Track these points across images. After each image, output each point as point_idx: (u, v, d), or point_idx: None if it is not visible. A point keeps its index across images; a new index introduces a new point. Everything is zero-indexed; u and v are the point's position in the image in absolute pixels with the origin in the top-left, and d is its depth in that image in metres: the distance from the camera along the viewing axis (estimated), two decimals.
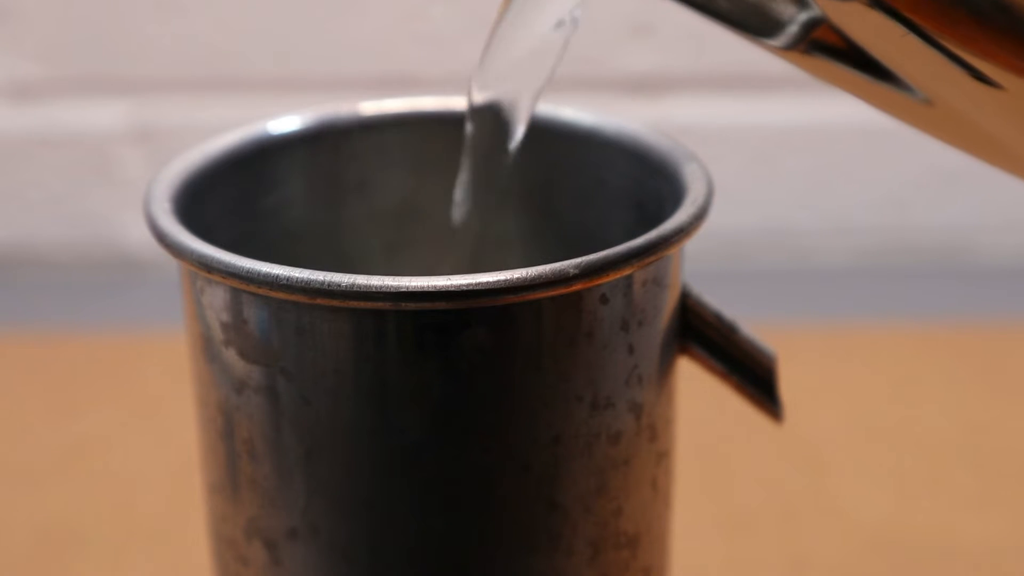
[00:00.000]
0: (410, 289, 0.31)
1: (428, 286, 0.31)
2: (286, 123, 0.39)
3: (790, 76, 0.54)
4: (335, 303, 0.31)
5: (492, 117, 0.35)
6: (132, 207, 0.64)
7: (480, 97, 0.35)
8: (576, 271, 0.31)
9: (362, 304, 0.31)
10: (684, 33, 0.67)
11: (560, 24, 0.33)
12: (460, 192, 0.36)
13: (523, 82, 0.34)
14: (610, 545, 0.34)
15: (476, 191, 0.36)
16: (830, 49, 0.28)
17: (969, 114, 0.28)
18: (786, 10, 0.28)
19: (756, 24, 0.28)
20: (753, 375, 0.36)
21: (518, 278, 0.31)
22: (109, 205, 0.69)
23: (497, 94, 0.35)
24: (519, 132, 0.35)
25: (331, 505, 0.33)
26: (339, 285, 0.31)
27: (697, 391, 0.41)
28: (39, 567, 0.49)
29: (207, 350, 0.34)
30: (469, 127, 0.35)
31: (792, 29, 0.28)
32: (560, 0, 0.33)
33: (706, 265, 0.53)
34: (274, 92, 0.67)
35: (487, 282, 0.31)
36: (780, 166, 0.69)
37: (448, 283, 0.31)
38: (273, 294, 0.31)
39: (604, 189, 0.38)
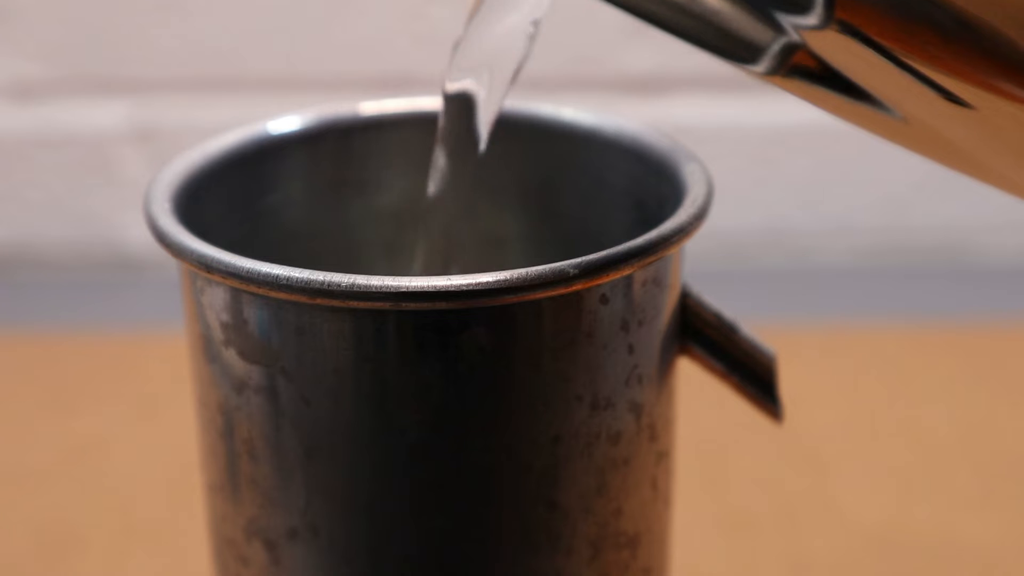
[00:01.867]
0: (410, 289, 0.31)
1: (428, 286, 0.31)
2: (286, 123, 0.39)
3: None
4: (335, 303, 0.31)
5: (462, 108, 0.35)
6: (132, 207, 0.64)
7: (452, 88, 0.35)
8: (576, 271, 0.31)
9: (362, 304, 0.31)
10: None
11: (535, 23, 0.34)
12: (432, 184, 0.36)
13: (492, 74, 0.35)
14: (610, 545, 0.34)
15: (447, 184, 0.36)
16: (810, 73, 0.29)
17: (946, 132, 0.29)
18: (764, 38, 0.28)
19: (738, 52, 0.29)
20: (753, 375, 0.36)
21: (518, 278, 0.31)
22: (109, 205, 0.69)
23: (467, 86, 0.35)
24: (487, 125, 0.35)
25: (331, 505, 0.33)
26: (339, 285, 0.31)
27: (697, 391, 0.41)
28: (39, 567, 0.49)
29: (207, 350, 0.34)
30: (441, 119, 0.35)
31: (772, 56, 0.28)
32: (525, 5, 0.33)
33: (706, 265, 0.53)
34: (274, 92, 0.67)
35: (487, 282, 0.31)
36: (780, 166, 0.69)
37: (448, 283, 0.31)
38: (273, 294, 0.31)
39: (604, 189, 0.38)
